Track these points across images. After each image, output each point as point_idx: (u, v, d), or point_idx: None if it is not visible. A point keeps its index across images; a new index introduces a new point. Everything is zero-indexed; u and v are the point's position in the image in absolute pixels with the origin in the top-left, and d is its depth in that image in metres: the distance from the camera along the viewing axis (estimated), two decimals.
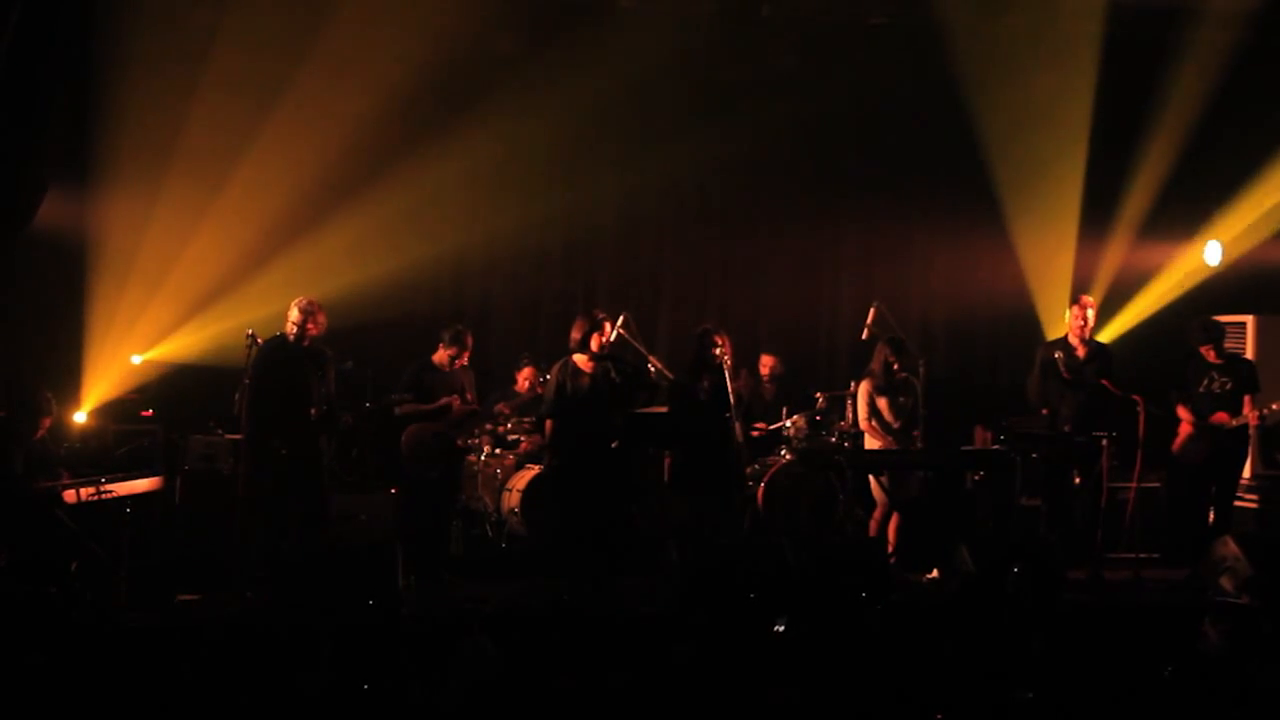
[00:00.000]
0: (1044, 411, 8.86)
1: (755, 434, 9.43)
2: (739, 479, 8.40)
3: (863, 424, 8.75)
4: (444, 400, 8.46)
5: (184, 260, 9.69)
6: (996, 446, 9.13)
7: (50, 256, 9.48)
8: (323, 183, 9.93)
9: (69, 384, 9.12)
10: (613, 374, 8.07)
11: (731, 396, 8.08)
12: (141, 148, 9.54)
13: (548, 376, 8.50)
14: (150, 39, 9.49)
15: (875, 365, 8.71)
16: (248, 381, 7.69)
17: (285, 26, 9.65)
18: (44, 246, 9.31)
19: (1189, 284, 10.84)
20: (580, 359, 8.10)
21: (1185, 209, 10.90)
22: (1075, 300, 8.99)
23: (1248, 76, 10.56)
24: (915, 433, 8.69)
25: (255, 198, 9.79)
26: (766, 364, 10.23)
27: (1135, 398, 8.48)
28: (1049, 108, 10.74)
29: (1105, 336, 10.09)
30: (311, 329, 7.98)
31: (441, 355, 8.57)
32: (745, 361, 9.80)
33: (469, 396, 8.66)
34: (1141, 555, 8.69)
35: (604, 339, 8.06)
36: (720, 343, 8.13)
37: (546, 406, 8.20)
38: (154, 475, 8.15)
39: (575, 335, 8.09)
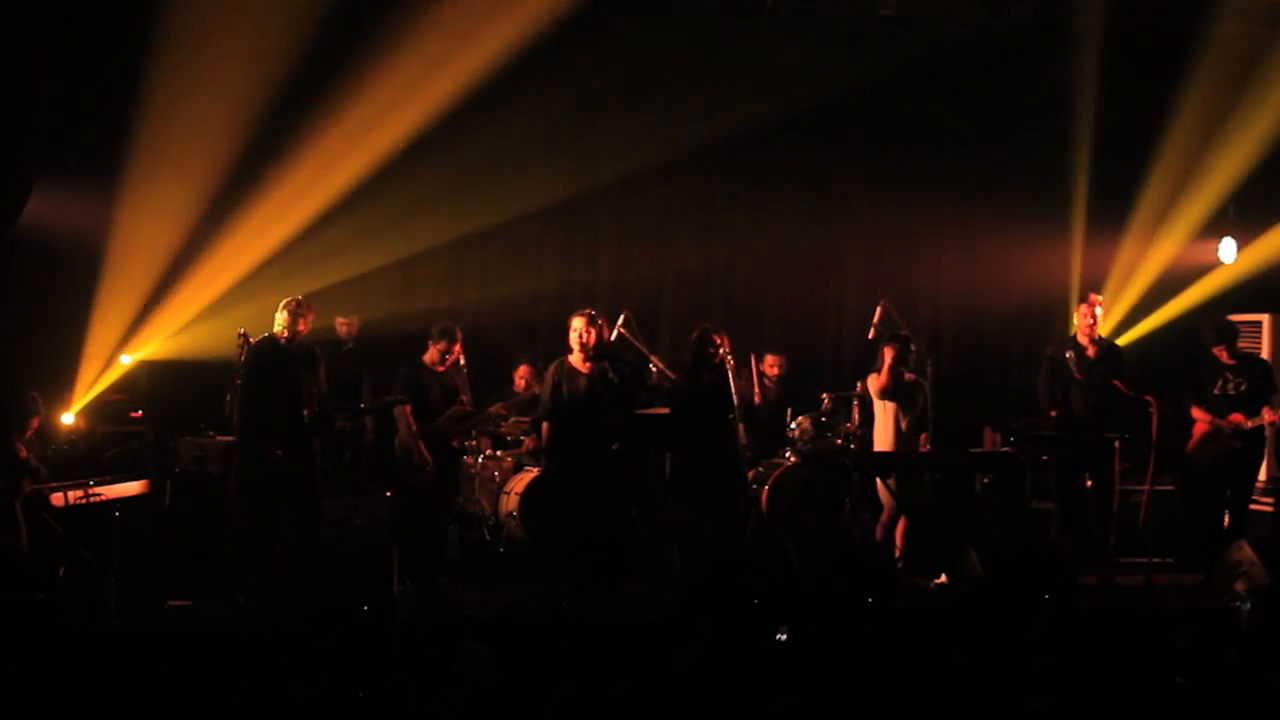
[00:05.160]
0: (1054, 413, 8.75)
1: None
2: (741, 483, 8.28)
3: (879, 395, 8.58)
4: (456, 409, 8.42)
5: (178, 260, 9.59)
6: (1006, 448, 9.05)
7: (44, 256, 9.37)
8: (319, 183, 9.85)
9: (61, 385, 9.00)
10: (610, 374, 7.96)
11: (735, 397, 7.96)
12: (140, 149, 9.44)
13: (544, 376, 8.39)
14: (148, 38, 9.38)
15: (881, 364, 8.59)
16: (239, 382, 7.60)
17: (282, 26, 9.55)
18: (38, 246, 9.20)
19: (1202, 282, 10.74)
20: (576, 359, 7.98)
21: (1196, 206, 10.77)
22: (1084, 299, 8.87)
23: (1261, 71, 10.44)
24: (924, 434, 8.56)
25: (251, 199, 9.71)
26: (772, 363, 10.09)
27: (1148, 398, 8.36)
28: (1057, 101, 10.62)
29: (1120, 338, 9.97)
30: (301, 328, 7.91)
31: (432, 353, 8.49)
32: (747, 361, 9.66)
33: (464, 397, 8.55)
34: (1155, 560, 8.58)
35: (587, 340, 7.94)
36: (719, 342, 8.03)
37: (542, 409, 8.10)
38: (143, 478, 8.08)
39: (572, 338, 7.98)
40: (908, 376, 8.61)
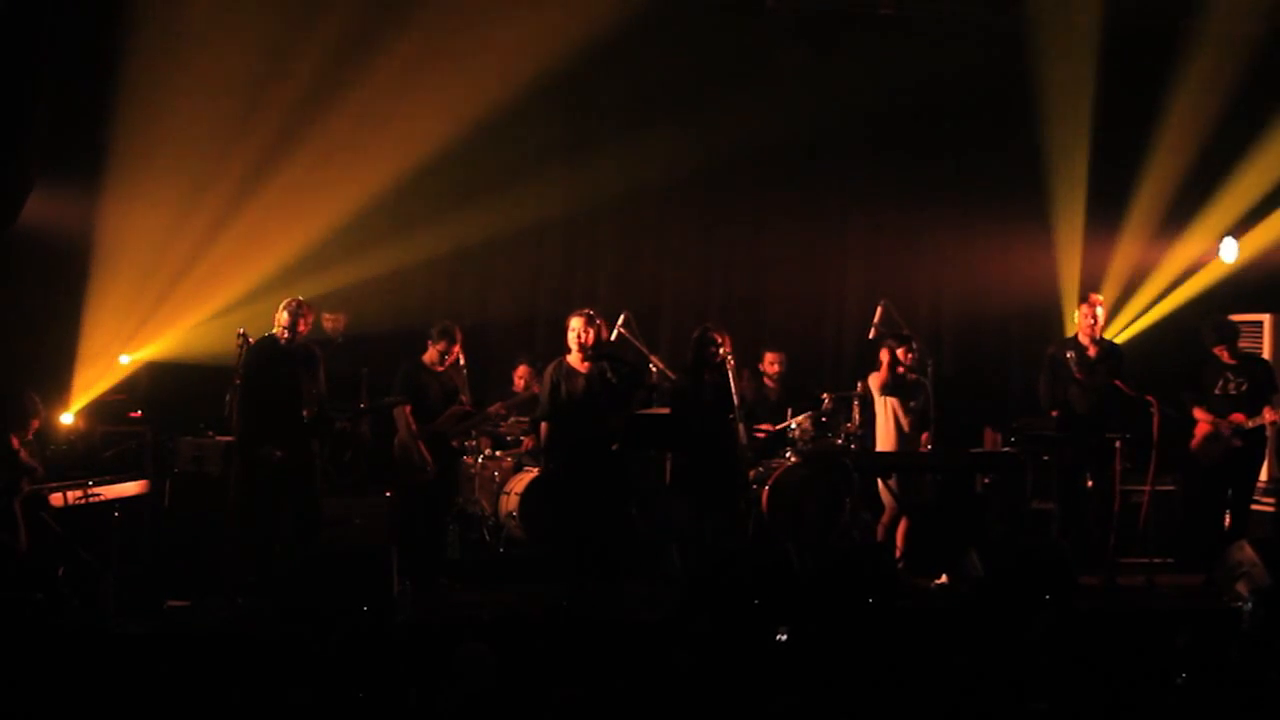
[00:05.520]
0: (1054, 413, 8.72)
1: (760, 435, 9.28)
2: (742, 482, 8.26)
3: (880, 391, 8.57)
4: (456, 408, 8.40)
5: (176, 260, 9.57)
6: (1007, 448, 9.02)
7: (39, 255, 9.35)
8: (317, 182, 9.81)
9: (58, 384, 8.98)
10: (609, 374, 7.93)
11: (735, 397, 7.95)
12: (136, 148, 9.40)
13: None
14: (145, 37, 9.37)
15: (882, 364, 8.58)
16: (239, 382, 7.57)
17: (279, 25, 9.54)
18: (32, 245, 9.17)
19: (1203, 282, 10.70)
20: (574, 359, 7.96)
21: (1199, 205, 10.74)
22: (1084, 299, 8.84)
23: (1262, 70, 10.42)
24: (925, 434, 8.54)
25: (248, 196, 9.67)
26: (771, 360, 10.06)
27: (1149, 398, 8.34)
28: (1059, 99, 10.60)
29: (1119, 336, 9.95)
30: (301, 328, 7.89)
31: (431, 353, 8.47)
32: (748, 360, 9.65)
33: (463, 397, 8.53)
34: (1156, 560, 8.55)
35: (585, 339, 7.91)
36: (720, 341, 8.03)
37: (541, 409, 8.08)
38: (143, 478, 8.05)
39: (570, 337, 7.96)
40: (910, 376, 8.59)
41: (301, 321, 7.89)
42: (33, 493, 7.44)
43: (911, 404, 8.58)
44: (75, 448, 8.52)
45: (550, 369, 8.05)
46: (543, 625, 7.23)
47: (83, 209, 9.47)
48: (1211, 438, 8.61)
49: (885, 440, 8.64)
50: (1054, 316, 10.61)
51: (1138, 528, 8.60)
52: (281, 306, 7.92)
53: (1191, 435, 8.68)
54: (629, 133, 10.38)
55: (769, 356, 10.01)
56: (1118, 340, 9.61)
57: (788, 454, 9.37)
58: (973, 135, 10.95)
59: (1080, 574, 7.86)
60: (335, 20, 9.67)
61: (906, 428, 8.57)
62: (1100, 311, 8.73)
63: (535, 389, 9.04)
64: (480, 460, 9.42)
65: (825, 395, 9.62)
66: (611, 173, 10.49)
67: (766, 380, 10.00)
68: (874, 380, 8.67)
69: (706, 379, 8.10)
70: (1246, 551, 7.88)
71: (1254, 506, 8.97)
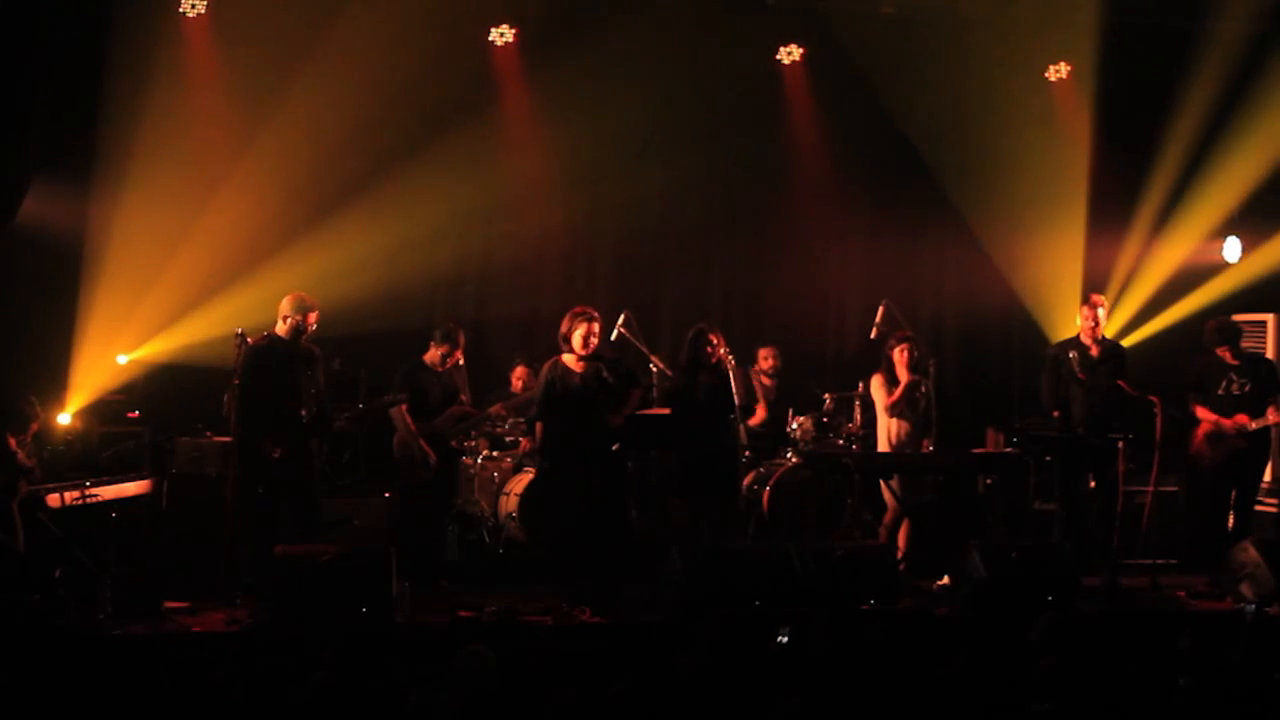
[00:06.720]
0: (1056, 413, 8.68)
1: (754, 422, 9.26)
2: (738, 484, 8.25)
3: (887, 412, 8.52)
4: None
5: (173, 259, 9.54)
6: (1009, 449, 8.99)
7: (37, 255, 9.33)
8: (316, 182, 9.81)
9: (55, 385, 8.95)
10: (604, 373, 7.89)
11: (736, 397, 7.92)
12: (132, 147, 9.40)
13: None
14: (143, 37, 9.37)
15: (885, 365, 8.55)
16: (237, 382, 7.53)
17: (281, 27, 9.54)
18: (30, 245, 9.15)
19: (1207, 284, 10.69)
20: (570, 359, 7.91)
21: (1200, 205, 10.72)
22: (1086, 299, 8.81)
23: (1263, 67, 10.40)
24: (926, 439, 8.51)
25: (247, 197, 9.66)
26: (765, 355, 10.03)
27: (1152, 398, 8.31)
28: (1060, 100, 10.59)
29: (1122, 338, 9.93)
30: (310, 322, 7.80)
31: (433, 354, 8.43)
32: (745, 358, 9.63)
33: (463, 397, 8.50)
34: (1159, 561, 8.52)
35: (592, 341, 7.87)
36: (715, 342, 8.00)
37: (536, 408, 8.04)
38: (140, 479, 8.03)
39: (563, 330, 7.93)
40: (910, 377, 8.56)
41: (310, 315, 7.81)
42: (30, 493, 7.42)
43: (912, 405, 8.55)
44: (73, 448, 8.50)
45: (546, 368, 8.00)
46: (542, 626, 7.19)
47: (78, 208, 9.46)
48: (1213, 438, 8.57)
49: (886, 442, 8.61)
50: (1056, 316, 10.58)
51: (1140, 529, 8.58)
52: (286, 302, 7.83)
53: (1194, 436, 8.64)
54: (628, 137, 10.35)
55: (762, 352, 10.00)
56: (1124, 341, 9.59)
57: (789, 455, 9.35)
58: (975, 134, 10.90)
59: (1082, 575, 7.84)
60: (336, 21, 9.66)
61: (908, 429, 8.54)
62: (1102, 312, 8.68)
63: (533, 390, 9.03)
64: (479, 461, 9.39)
65: (826, 396, 9.60)
66: (612, 177, 10.47)
67: (763, 378, 9.97)
68: (877, 387, 8.61)
69: (701, 379, 8.08)
70: (1250, 552, 7.86)
71: (1258, 507, 8.95)
